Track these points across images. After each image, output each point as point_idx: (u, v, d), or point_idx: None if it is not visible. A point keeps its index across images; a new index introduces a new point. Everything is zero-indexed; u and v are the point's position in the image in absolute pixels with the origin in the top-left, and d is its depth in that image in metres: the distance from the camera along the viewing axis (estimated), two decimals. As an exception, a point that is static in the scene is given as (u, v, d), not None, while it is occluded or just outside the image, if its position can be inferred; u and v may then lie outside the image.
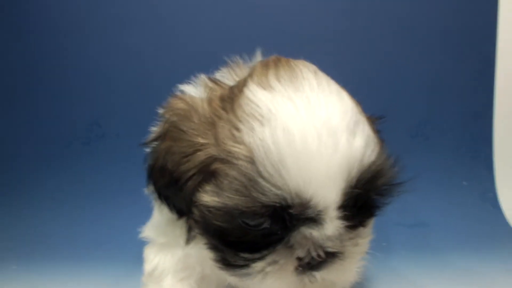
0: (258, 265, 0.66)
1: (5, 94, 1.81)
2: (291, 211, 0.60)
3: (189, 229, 0.75)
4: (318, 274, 0.68)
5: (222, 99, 0.69)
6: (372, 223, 0.75)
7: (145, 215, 1.28)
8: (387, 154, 0.70)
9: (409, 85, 1.82)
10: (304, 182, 0.58)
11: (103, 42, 1.80)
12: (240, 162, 0.61)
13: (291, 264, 0.66)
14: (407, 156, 1.84)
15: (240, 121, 0.63)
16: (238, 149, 0.61)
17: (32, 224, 1.58)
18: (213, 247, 0.70)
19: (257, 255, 0.66)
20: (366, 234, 0.72)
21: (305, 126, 0.60)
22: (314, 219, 0.62)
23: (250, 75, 0.68)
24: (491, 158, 1.78)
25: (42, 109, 1.81)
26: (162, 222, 0.84)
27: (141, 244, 0.96)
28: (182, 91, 0.78)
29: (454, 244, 1.42)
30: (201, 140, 0.66)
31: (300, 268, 0.66)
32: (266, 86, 0.64)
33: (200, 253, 0.77)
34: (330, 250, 0.65)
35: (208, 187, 0.65)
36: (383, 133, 1.70)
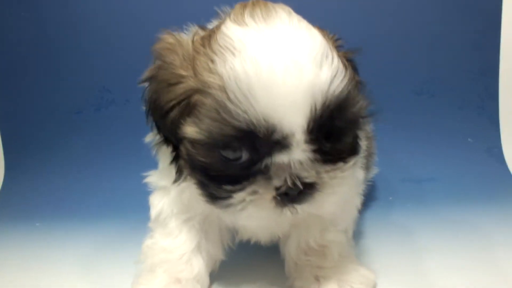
0: (239, 195, 0.70)
1: (18, 62, 1.83)
2: (259, 135, 0.64)
3: (178, 169, 0.80)
4: (299, 206, 0.72)
5: (203, 38, 0.74)
6: (356, 162, 0.79)
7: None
8: (359, 87, 0.76)
9: (415, 42, 1.81)
10: (270, 107, 0.63)
11: (113, 8, 1.80)
12: (214, 91, 0.66)
13: (270, 193, 0.70)
14: (413, 112, 1.87)
15: (215, 53, 0.68)
16: (212, 79, 0.67)
17: (50, 186, 1.64)
18: (200, 183, 0.75)
19: (238, 187, 0.70)
20: (347, 169, 0.75)
21: (273, 56, 0.64)
22: (282, 144, 0.66)
23: (229, 15, 0.74)
24: (497, 114, 1.77)
25: (54, 76, 1.83)
26: (164, 166, 0.88)
27: (147, 203, 1.01)
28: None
29: (459, 198, 1.43)
30: (183, 73, 0.72)
31: (279, 198, 0.70)
32: (240, 22, 0.70)
33: (193, 195, 0.82)
34: (306, 180, 0.70)
35: (189, 119, 0.70)
36: (388, 89, 1.72)
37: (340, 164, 0.74)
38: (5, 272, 1.13)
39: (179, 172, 0.80)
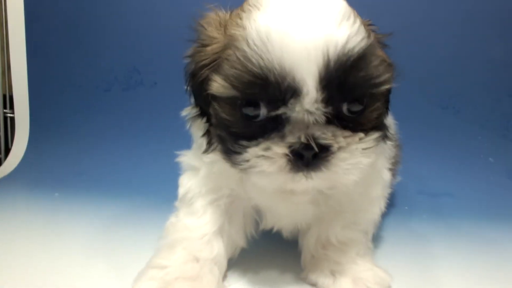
0: (253, 150, 0.72)
1: (52, 37, 1.88)
2: (272, 80, 0.67)
3: (209, 141, 0.83)
4: (314, 174, 0.71)
5: (240, 8, 0.78)
6: (375, 136, 0.76)
7: (176, 158, 1.35)
8: (382, 56, 0.76)
9: (445, 57, 1.81)
10: (284, 54, 0.66)
11: None
12: (237, 43, 0.70)
13: (282, 149, 0.70)
14: (436, 126, 1.86)
15: (244, 11, 0.74)
16: (237, 32, 0.71)
17: (72, 160, 1.69)
18: (221, 139, 0.78)
19: (253, 143, 0.72)
20: (368, 142, 0.74)
21: (293, 9, 0.69)
22: (294, 91, 0.67)
23: None
24: None
25: (87, 53, 1.87)
26: (197, 140, 0.90)
27: (168, 182, 1.03)
28: None
29: (473, 215, 1.42)
30: (216, 35, 0.77)
31: (293, 159, 0.70)
32: None
33: (223, 170, 0.85)
34: (321, 141, 0.70)
35: (215, 76, 0.73)
36: (414, 100, 1.71)
37: (361, 134, 0.73)
38: (22, 239, 1.16)
39: (209, 144, 0.83)
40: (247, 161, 0.72)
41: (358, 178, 0.74)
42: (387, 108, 0.85)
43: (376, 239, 1.19)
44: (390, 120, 1.11)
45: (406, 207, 1.46)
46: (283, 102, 0.68)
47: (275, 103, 0.69)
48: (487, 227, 1.34)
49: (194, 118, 0.87)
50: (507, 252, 1.19)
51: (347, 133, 0.72)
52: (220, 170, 0.87)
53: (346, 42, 0.67)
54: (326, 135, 0.70)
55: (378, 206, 0.97)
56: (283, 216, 0.93)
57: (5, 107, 1.88)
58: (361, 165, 0.73)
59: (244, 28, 0.70)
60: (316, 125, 0.70)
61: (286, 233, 0.99)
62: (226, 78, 0.70)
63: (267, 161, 0.71)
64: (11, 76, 1.85)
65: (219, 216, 0.93)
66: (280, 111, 0.69)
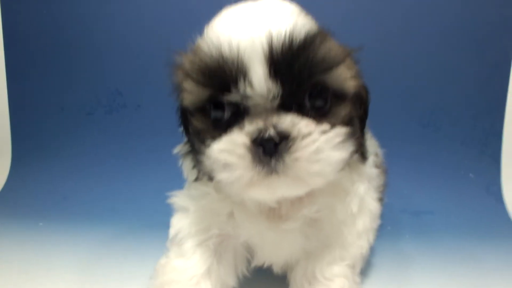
0: (217, 144, 0.73)
1: (33, 60, 1.87)
2: (226, 69, 0.71)
3: (194, 166, 0.86)
4: (278, 165, 0.70)
5: None
6: (341, 131, 0.75)
7: (160, 182, 1.33)
8: (338, 48, 0.78)
9: (425, 75, 1.84)
10: (234, 46, 0.70)
11: (127, 14, 1.83)
12: (199, 49, 0.75)
13: (244, 139, 0.71)
14: (417, 144, 1.90)
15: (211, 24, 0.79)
16: (200, 42, 0.77)
17: (55, 185, 1.68)
18: (193, 146, 0.83)
19: (218, 140, 0.74)
20: (328, 131, 0.73)
21: (244, 14, 0.75)
22: (244, 73, 0.70)
23: None
24: (499, 153, 1.81)
25: (68, 76, 1.87)
26: (187, 186, 0.94)
27: (152, 208, 1.02)
28: None
29: (455, 232, 1.46)
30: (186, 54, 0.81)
31: (253, 149, 0.70)
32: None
33: (212, 206, 0.88)
34: (280, 127, 0.70)
35: (185, 82, 0.77)
36: (395, 119, 1.74)
37: (325, 126, 0.73)
38: (7, 271, 1.16)
39: (199, 171, 0.85)
40: (211, 158, 0.73)
41: (333, 175, 0.74)
42: (363, 120, 0.87)
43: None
44: (374, 146, 1.13)
45: (389, 227, 1.48)
46: (236, 87, 0.70)
47: (231, 91, 0.71)
48: (468, 242, 1.38)
49: (186, 154, 0.89)
50: (487, 265, 1.23)
51: (309, 122, 0.72)
52: (209, 205, 0.89)
53: (292, 30, 0.71)
54: (285, 122, 0.71)
55: (366, 239, 0.98)
56: (273, 249, 0.93)
57: (-14, 132, 1.86)
58: (331, 159, 0.72)
59: (204, 36, 0.76)
60: (276, 114, 0.71)
61: (276, 268, 1.00)
62: (191, 78, 0.75)
63: (227, 153, 0.72)
64: (-10, 100, 1.84)
65: (207, 257, 0.94)
66: (235, 97, 0.71)
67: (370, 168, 0.98)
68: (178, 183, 1.17)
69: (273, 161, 0.70)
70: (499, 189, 1.73)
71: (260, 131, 0.70)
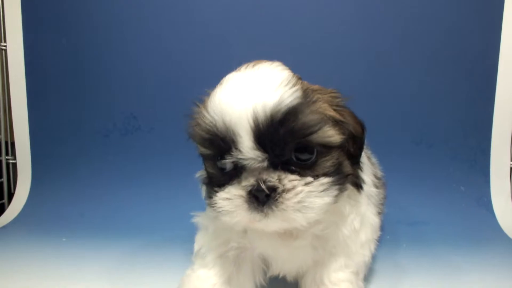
0: (220, 193, 0.87)
1: (52, 89, 1.94)
2: (221, 137, 0.83)
3: (208, 194, 0.96)
4: (268, 211, 0.83)
5: None
6: (324, 181, 0.85)
7: (170, 199, 1.43)
8: (323, 113, 0.86)
9: (417, 98, 1.91)
10: (227, 117, 0.82)
11: (142, 40, 1.90)
12: (202, 113, 0.87)
13: (239, 192, 0.85)
14: (411, 160, 2.00)
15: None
16: (206, 104, 0.88)
17: (74, 203, 1.77)
18: (207, 190, 0.95)
19: (221, 188, 0.88)
20: (311, 183, 0.84)
21: (240, 85, 0.85)
22: (236, 143, 0.82)
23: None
24: (488, 167, 1.88)
25: (86, 100, 1.94)
26: (207, 207, 1.03)
27: (166, 222, 1.21)
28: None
29: (449, 241, 1.55)
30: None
31: (249, 199, 0.84)
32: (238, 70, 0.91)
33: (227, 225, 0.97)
34: (268, 183, 0.83)
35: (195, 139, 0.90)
36: (390, 137, 1.85)
37: (308, 179, 0.84)
38: (33, 283, 1.21)
39: (208, 197, 0.96)
40: (216, 203, 0.87)
41: (318, 216, 0.85)
42: (358, 154, 0.97)
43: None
44: (374, 166, 1.25)
45: (388, 237, 1.57)
46: (229, 152, 0.83)
47: (227, 154, 0.84)
48: (460, 250, 1.46)
49: (203, 179, 1.00)
50: (474, 275, 1.30)
51: (294, 176, 0.84)
52: (225, 224, 0.98)
53: (275, 103, 0.80)
54: (273, 178, 0.83)
55: (368, 249, 1.08)
56: (286, 262, 1.04)
57: (7, 154, 1.95)
58: (313, 205, 0.84)
59: (207, 103, 0.87)
60: (266, 171, 0.83)
61: (290, 277, 1.10)
62: (196, 141, 0.89)
63: (228, 201, 0.86)
64: (12, 123, 1.92)
65: (227, 266, 1.04)
66: (230, 160, 0.84)
67: (370, 188, 1.10)
68: (186, 200, 1.29)
69: (265, 208, 0.83)
70: (489, 201, 1.81)
71: (253, 186, 0.83)
